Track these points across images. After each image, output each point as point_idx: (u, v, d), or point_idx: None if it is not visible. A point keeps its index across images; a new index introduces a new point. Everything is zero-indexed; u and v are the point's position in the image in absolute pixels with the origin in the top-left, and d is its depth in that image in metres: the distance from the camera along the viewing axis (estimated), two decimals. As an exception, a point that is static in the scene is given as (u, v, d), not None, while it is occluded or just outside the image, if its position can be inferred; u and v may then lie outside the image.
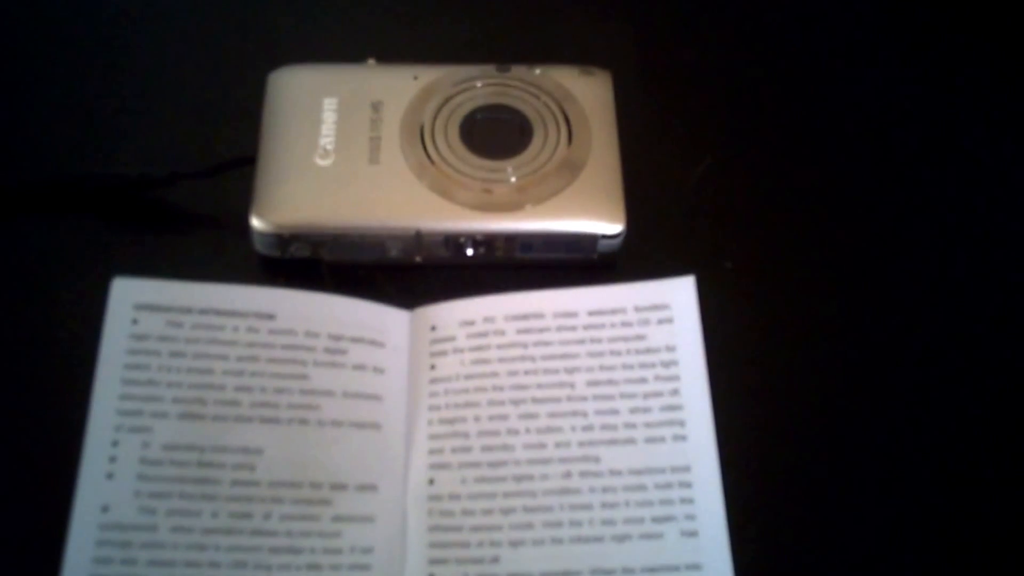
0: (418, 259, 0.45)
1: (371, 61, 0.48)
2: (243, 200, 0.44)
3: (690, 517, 0.38)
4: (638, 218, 0.45)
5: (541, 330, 0.42)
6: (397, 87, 0.47)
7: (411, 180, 0.45)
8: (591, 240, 0.44)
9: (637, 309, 0.42)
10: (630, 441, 0.39)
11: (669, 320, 0.42)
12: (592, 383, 0.41)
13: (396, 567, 0.38)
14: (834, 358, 0.44)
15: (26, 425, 0.41)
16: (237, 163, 0.45)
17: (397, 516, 0.39)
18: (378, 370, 0.41)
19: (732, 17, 0.55)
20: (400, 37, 0.52)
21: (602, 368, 0.41)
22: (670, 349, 0.41)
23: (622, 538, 0.38)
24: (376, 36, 0.52)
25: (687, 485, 0.38)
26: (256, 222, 0.44)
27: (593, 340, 0.42)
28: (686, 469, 0.39)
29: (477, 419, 0.40)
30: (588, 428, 0.40)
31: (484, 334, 0.42)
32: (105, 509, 0.37)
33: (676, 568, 0.37)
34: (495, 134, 0.46)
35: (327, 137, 0.45)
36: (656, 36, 0.54)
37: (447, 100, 0.47)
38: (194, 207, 0.46)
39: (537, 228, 0.44)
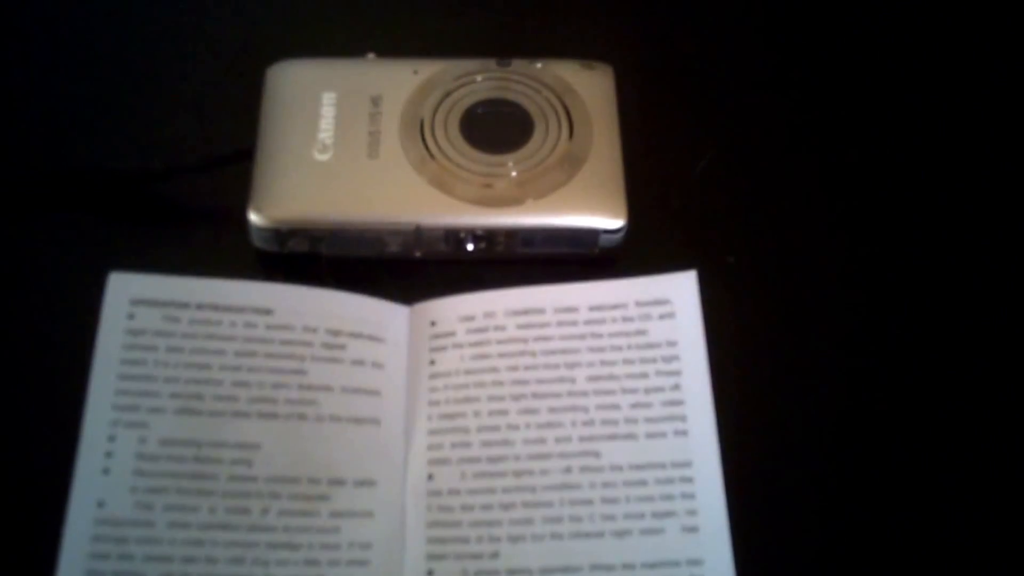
0: (418, 254, 0.45)
1: (370, 55, 0.48)
2: (241, 194, 0.44)
3: (691, 512, 0.38)
4: (640, 213, 0.44)
5: (542, 325, 0.42)
6: (397, 81, 0.47)
7: (411, 174, 0.44)
8: (592, 235, 0.44)
9: (638, 304, 0.42)
10: (631, 436, 0.39)
11: (671, 315, 0.41)
12: (593, 378, 0.40)
13: (395, 562, 0.38)
14: (836, 353, 0.44)
15: (22, 420, 0.40)
16: (235, 157, 0.45)
17: (396, 511, 0.38)
18: (377, 365, 0.41)
19: (734, 11, 0.54)
20: (400, 31, 0.52)
21: (603, 363, 0.41)
22: (671, 344, 0.41)
23: (622, 533, 0.37)
24: (375, 30, 0.52)
25: (688, 480, 0.38)
26: (254, 217, 0.43)
27: (594, 335, 0.41)
28: (687, 464, 0.38)
29: (477, 414, 0.40)
30: (589, 423, 0.39)
31: (484, 329, 0.42)
32: (101, 504, 0.37)
33: (677, 563, 0.37)
34: (496, 128, 0.46)
35: (326, 131, 0.45)
36: (658, 30, 0.53)
37: (447, 94, 0.47)
38: (192, 201, 0.46)
39: (538, 223, 0.44)
